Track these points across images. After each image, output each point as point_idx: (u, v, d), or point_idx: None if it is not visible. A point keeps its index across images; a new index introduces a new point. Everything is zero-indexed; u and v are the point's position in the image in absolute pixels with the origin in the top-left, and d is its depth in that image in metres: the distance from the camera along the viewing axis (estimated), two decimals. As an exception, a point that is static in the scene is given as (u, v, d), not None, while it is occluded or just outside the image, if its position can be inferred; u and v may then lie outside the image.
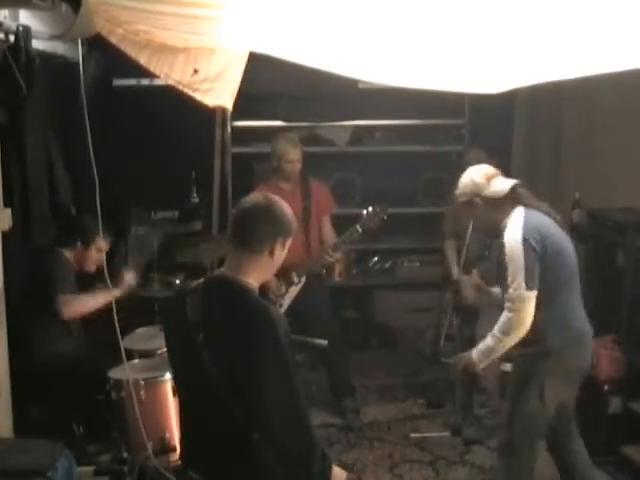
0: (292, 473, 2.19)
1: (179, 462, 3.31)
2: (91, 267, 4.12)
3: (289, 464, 2.17)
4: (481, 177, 3.29)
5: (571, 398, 3.36)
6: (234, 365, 2.17)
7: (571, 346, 3.21)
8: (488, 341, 3.22)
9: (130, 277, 4.08)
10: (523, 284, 3.09)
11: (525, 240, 3.10)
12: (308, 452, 2.19)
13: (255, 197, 2.37)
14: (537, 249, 3.10)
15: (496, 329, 3.19)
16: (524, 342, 3.18)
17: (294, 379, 2.17)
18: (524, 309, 3.11)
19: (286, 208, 2.34)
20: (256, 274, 2.30)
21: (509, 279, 3.12)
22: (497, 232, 3.25)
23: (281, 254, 2.33)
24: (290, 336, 2.20)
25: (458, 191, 3.36)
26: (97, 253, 4.06)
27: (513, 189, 3.25)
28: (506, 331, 3.16)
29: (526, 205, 3.24)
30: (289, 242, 2.34)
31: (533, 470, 3.33)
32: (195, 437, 2.35)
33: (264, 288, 4.54)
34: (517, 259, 3.10)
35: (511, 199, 3.24)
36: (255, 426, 2.15)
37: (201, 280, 2.37)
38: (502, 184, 3.27)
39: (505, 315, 3.16)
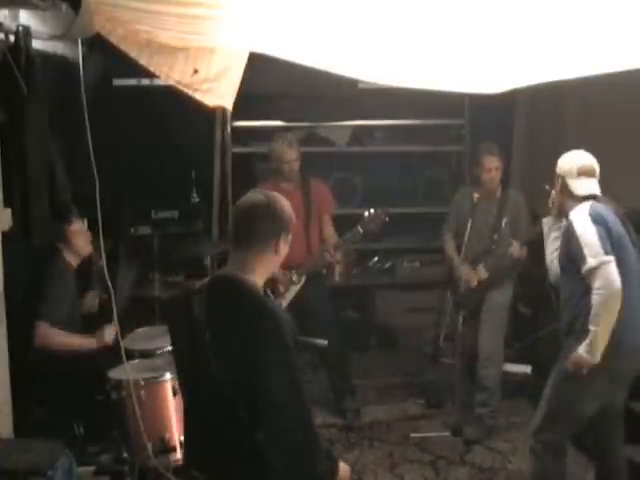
0: (296, 472, 2.18)
1: (179, 462, 3.33)
2: (87, 249, 4.16)
3: (294, 464, 2.17)
4: (576, 167, 3.32)
5: (613, 398, 3.34)
6: (240, 364, 2.16)
7: (611, 346, 3.12)
8: (591, 329, 3.10)
9: (109, 333, 4.08)
10: (601, 250, 3.09)
11: (592, 216, 3.17)
12: (313, 452, 2.20)
13: (254, 195, 2.36)
14: (603, 227, 3.15)
15: (592, 312, 3.11)
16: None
17: (299, 379, 2.17)
18: (610, 272, 3.07)
19: (285, 203, 2.35)
20: (261, 272, 2.30)
21: (584, 252, 3.12)
22: (562, 216, 3.36)
23: (284, 249, 2.34)
24: (296, 336, 2.19)
25: (559, 160, 3.40)
26: (79, 234, 4.11)
27: (591, 197, 3.29)
28: (603, 304, 3.08)
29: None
30: (290, 237, 2.35)
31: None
32: (200, 437, 2.34)
33: (272, 282, 4.57)
34: (589, 231, 3.13)
35: (585, 198, 3.30)
36: (260, 426, 2.14)
37: (206, 280, 2.36)
38: (586, 187, 3.30)
39: (594, 291, 3.10)
